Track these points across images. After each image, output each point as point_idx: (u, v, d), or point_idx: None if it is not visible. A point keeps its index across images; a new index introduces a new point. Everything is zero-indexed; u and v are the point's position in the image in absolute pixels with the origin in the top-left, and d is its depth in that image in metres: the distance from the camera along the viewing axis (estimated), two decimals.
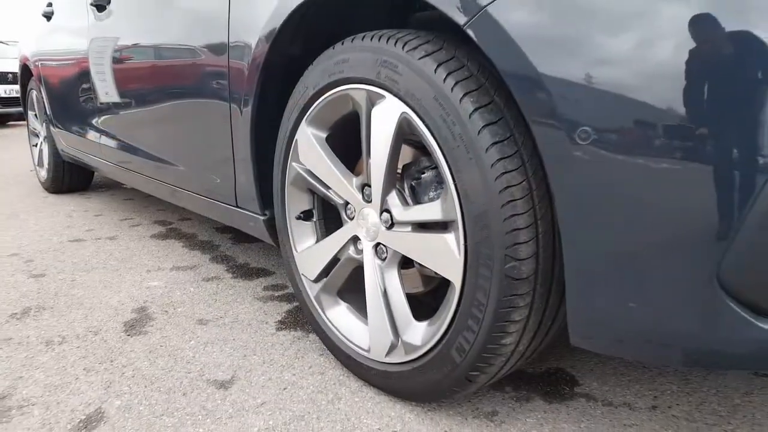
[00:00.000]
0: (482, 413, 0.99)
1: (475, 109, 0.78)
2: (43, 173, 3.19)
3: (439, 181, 0.95)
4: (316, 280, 1.16)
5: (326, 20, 1.11)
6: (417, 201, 0.97)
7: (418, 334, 0.94)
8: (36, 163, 3.34)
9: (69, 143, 2.68)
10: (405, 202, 0.96)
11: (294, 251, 1.20)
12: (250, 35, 1.16)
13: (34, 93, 3.13)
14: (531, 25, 0.69)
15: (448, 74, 0.80)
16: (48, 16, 2.65)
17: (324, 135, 1.08)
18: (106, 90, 2.02)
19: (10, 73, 8.43)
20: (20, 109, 8.33)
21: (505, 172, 0.76)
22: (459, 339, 0.86)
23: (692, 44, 0.59)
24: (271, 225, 1.30)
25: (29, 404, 1.05)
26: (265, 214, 1.31)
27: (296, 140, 1.10)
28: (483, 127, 0.77)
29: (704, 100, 0.60)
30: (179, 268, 1.81)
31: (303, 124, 1.08)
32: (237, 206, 1.40)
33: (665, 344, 0.73)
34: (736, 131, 0.59)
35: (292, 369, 1.16)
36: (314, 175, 1.10)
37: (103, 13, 1.97)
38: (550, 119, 0.69)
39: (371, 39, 0.92)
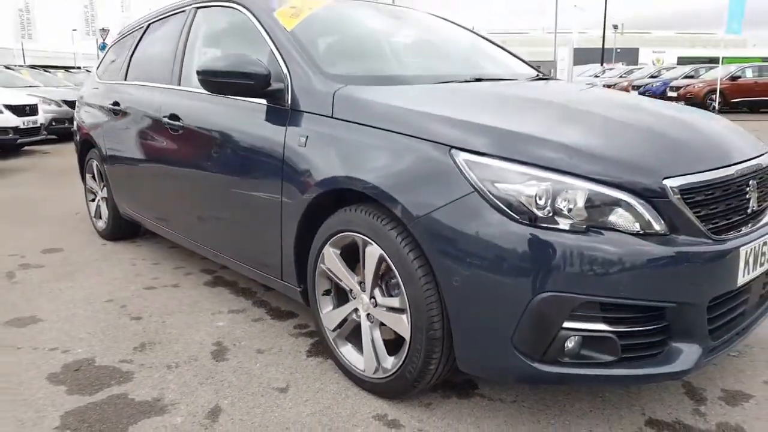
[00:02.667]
0: (423, 403, 1.87)
1: (414, 258, 1.65)
2: (101, 224, 4.03)
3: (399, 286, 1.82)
4: (333, 330, 2.03)
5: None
6: (389, 294, 1.84)
7: (390, 362, 1.81)
8: (93, 215, 4.17)
9: (131, 208, 3.52)
10: (383, 294, 1.83)
11: (320, 313, 2.06)
12: (293, 213, 2.02)
13: (94, 162, 3.97)
14: (431, 226, 1.57)
15: (402, 239, 1.68)
16: (116, 113, 3.49)
17: (339, 251, 1.95)
18: (173, 185, 2.87)
19: (28, 105, 9.10)
20: (37, 137, 9.14)
21: (428, 289, 1.63)
22: (409, 366, 1.73)
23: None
24: (304, 294, 2.16)
25: (176, 403, 1.90)
26: (300, 287, 2.17)
27: (323, 253, 1.97)
28: (418, 267, 1.65)
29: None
30: (233, 311, 2.67)
31: (327, 246, 1.95)
32: (282, 279, 2.26)
33: (505, 371, 1.61)
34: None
35: (321, 381, 2.02)
36: (332, 272, 1.97)
37: (174, 131, 2.82)
38: (443, 266, 1.56)
39: (363, 212, 1.79)
